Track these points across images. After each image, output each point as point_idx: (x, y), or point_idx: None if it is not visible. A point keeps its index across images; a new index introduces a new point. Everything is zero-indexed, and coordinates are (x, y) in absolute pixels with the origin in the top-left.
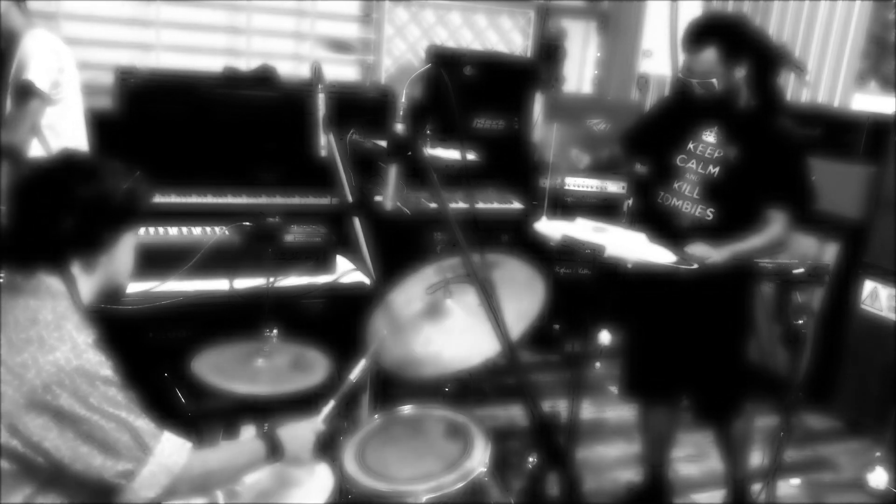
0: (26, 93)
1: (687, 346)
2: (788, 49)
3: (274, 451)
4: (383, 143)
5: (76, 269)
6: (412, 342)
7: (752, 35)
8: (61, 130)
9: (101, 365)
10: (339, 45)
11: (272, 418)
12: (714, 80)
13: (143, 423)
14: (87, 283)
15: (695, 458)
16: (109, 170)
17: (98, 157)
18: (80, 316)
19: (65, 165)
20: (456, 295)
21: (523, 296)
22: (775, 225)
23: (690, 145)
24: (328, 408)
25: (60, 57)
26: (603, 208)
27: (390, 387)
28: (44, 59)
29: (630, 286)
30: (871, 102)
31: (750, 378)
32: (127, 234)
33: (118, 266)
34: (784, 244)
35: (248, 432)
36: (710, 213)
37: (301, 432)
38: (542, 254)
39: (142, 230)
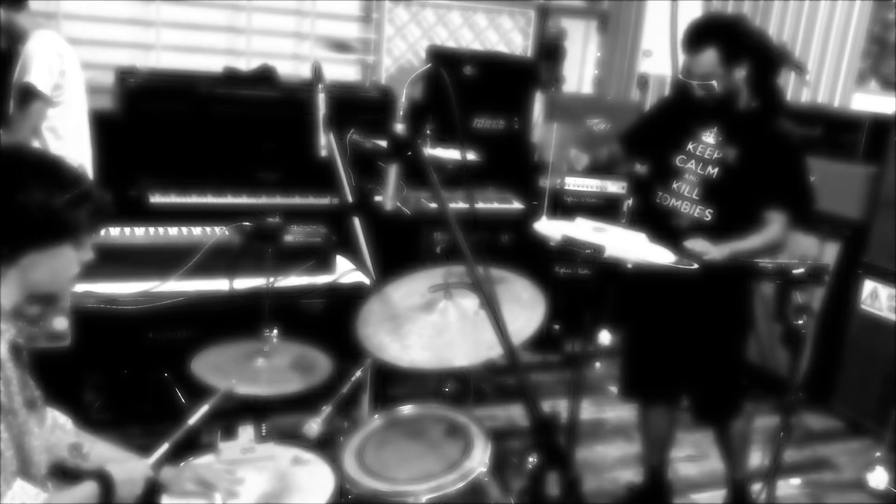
0: (27, 95)
1: (686, 346)
2: (788, 49)
3: (107, 492)
4: (383, 143)
5: None
6: (398, 331)
7: (752, 36)
8: (63, 132)
9: None
10: (339, 45)
11: (271, 418)
12: (714, 82)
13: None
14: (4, 288)
15: (695, 458)
16: (32, 178)
17: (26, 162)
18: None
19: None
20: (455, 298)
21: (520, 314)
22: (774, 226)
23: (690, 146)
24: (161, 450)
25: (63, 59)
26: (603, 208)
27: (390, 387)
28: (46, 61)
29: (630, 286)
30: (871, 102)
31: (749, 378)
32: (49, 250)
33: (38, 280)
34: (782, 245)
35: (246, 433)
36: (708, 214)
37: (133, 475)
38: (542, 254)
39: (143, 230)
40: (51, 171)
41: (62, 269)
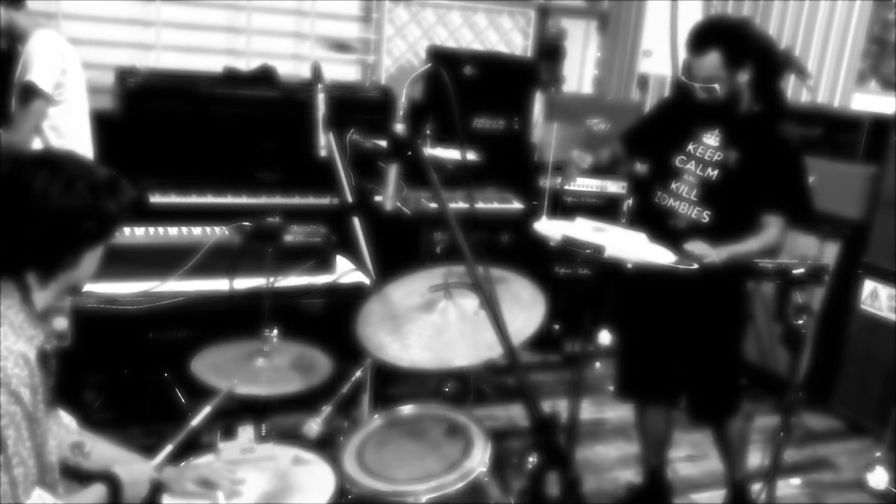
0: (29, 93)
1: (683, 346)
2: (792, 53)
3: (115, 494)
4: (383, 143)
5: (31, 279)
6: (398, 331)
7: (757, 39)
8: (65, 131)
9: (16, 378)
10: (339, 45)
11: (271, 418)
12: (716, 85)
13: (21, 473)
14: (43, 293)
15: (694, 458)
16: (88, 182)
17: (80, 165)
18: (27, 317)
19: (43, 168)
20: (455, 298)
21: (520, 314)
22: (771, 229)
23: (690, 147)
24: (164, 452)
25: (64, 58)
26: (603, 208)
27: (390, 387)
28: (47, 60)
29: (629, 286)
30: (871, 102)
31: (749, 378)
32: (93, 251)
33: (78, 276)
34: (779, 249)
35: (246, 433)
36: (706, 216)
37: (139, 477)
38: (542, 254)
39: (143, 230)
40: (86, 169)
41: (96, 261)
